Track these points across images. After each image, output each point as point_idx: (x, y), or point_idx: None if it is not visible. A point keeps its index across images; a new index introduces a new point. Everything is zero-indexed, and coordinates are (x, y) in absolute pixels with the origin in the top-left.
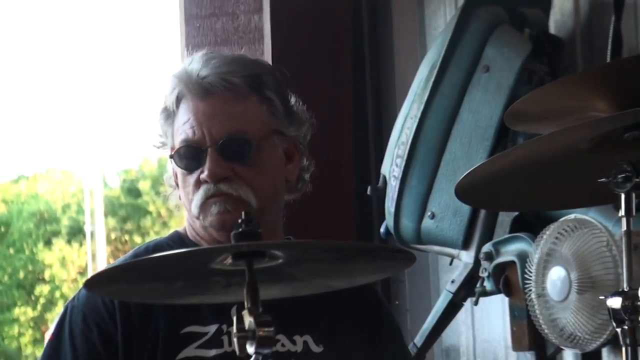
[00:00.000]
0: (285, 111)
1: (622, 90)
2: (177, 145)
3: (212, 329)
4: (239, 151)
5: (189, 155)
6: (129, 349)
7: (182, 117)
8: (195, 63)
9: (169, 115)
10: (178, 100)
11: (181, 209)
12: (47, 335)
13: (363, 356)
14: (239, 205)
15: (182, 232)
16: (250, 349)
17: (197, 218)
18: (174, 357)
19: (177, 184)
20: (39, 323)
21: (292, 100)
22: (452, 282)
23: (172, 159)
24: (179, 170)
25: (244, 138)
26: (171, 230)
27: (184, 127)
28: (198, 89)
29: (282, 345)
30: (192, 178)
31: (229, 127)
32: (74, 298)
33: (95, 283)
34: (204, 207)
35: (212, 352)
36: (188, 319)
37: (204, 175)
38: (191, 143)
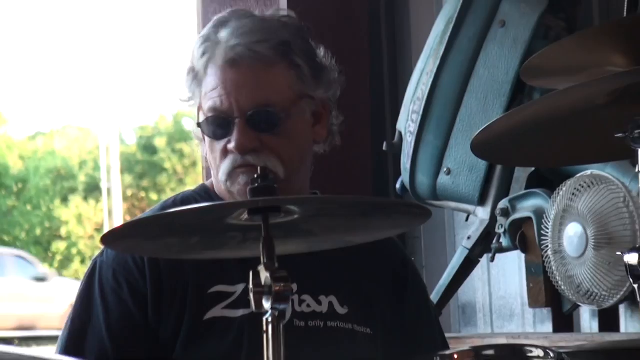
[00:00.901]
0: (313, 74)
1: (637, 44)
2: (205, 110)
3: (240, 288)
4: (267, 122)
5: (217, 124)
6: (158, 307)
7: (211, 82)
8: (225, 30)
9: (197, 76)
10: (206, 64)
11: (197, 166)
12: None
13: (387, 315)
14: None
15: (209, 185)
16: (267, 304)
17: (224, 184)
18: (201, 318)
19: (204, 144)
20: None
21: (322, 54)
22: (468, 238)
23: (199, 126)
24: (207, 139)
25: (272, 109)
26: (187, 187)
27: (212, 94)
28: (227, 58)
29: (308, 305)
30: (219, 145)
31: (258, 98)
32: (101, 253)
33: (112, 238)
34: (231, 175)
35: (239, 312)
36: (216, 278)
37: (231, 146)
38: (219, 113)
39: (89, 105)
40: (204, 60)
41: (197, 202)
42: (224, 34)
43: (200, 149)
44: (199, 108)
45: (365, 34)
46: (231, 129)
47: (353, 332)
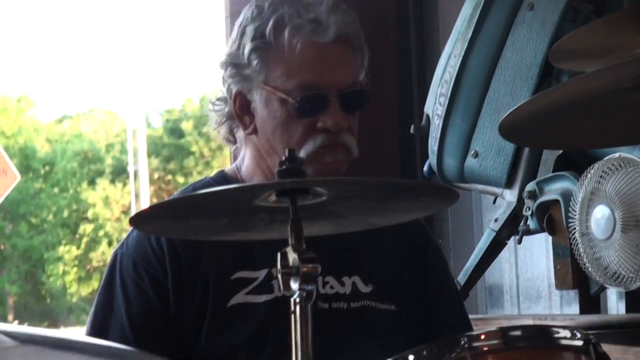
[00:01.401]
0: (364, 65)
1: None
2: (288, 85)
3: (262, 274)
4: (358, 103)
5: (311, 101)
6: (179, 296)
7: (300, 56)
8: (320, 9)
9: (269, 46)
10: (292, 35)
11: (224, 149)
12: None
13: (410, 292)
14: (348, 155)
15: (227, 172)
16: (294, 285)
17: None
18: (224, 304)
19: (243, 122)
20: (83, 261)
21: None
22: (496, 220)
23: (282, 102)
24: (284, 111)
25: (363, 90)
26: (214, 170)
27: (304, 68)
28: (323, 33)
29: (331, 287)
30: (300, 123)
31: (351, 79)
32: (122, 245)
33: (140, 220)
34: (316, 154)
35: (263, 298)
36: (238, 264)
37: (329, 125)
38: (315, 89)
39: (115, 89)
40: (288, 31)
41: (216, 186)
42: (320, 8)
43: (221, 127)
44: (263, 84)
45: (393, 17)
46: (325, 107)
47: (377, 309)
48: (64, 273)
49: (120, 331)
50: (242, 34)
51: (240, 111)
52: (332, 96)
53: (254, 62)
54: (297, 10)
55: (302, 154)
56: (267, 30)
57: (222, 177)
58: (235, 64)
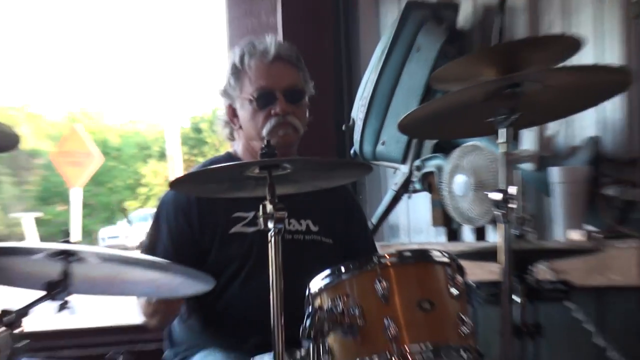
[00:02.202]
0: (307, 81)
1: (502, 63)
2: (251, 90)
3: (251, 214)
4: (296, 97)
5: (264, 97)
6: (200, 226)
7: (256, 72)
8: (265, 44)
9: (238, 71)
10: (249, 62)
11: (230, 143)
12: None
13: (342, 230)
14: (295, 131)
15: (231, 152)
16: (271, 224)
17: (265, 138)
18: (227, 232)
19: (234, 123)
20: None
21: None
22: (395, 184)
23: (249, 101)
24: (251, 107)
25: (300, 89)
26: (220, 154)
27: (258, 79)
28: (267, 56)
29: (293, 226)
30: (262, 113)
31: (291, 82)
32: (163, 197)
33: (176, 183)
34: (272, 132)
35: (251, 229)
36: (237, 208)
37: (277, 110)
38: (266, 90)
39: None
40: (247, 59)
41: (221, 162)
42: (260, 45)
43: (224, 130)
44: (239, 95)
45: (332, 56)
46: (275, 100)
47: (321, 242)
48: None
49: (164, 248)
50: (227, 70)
51: (231, 116)
52: (278, 93)
53: (232, 82)
54: (253, 47)
55: (264, 132)
56: (237, 61)
57: (228, 155)
58: (224, 89)
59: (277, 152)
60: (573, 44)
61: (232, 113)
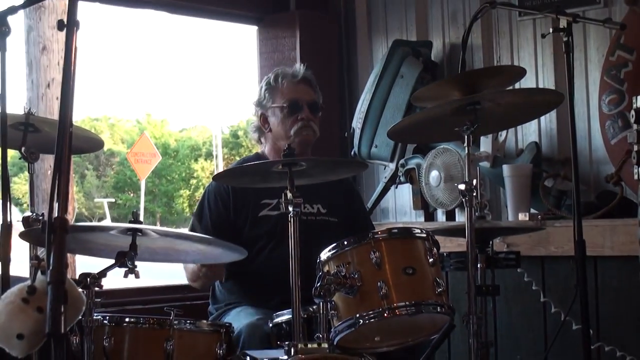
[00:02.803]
0: (320, 96)
1: (465, 87)
2: (282, 102)
3: (275, 201)
4: (316, 109)
5: (293, 106)
6: (235, 211)
7: (287, 88)
8: (295, 69)
9: (272, 87)
10: (282, 80)
11: (258, 146)
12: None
13: (345, 212)
14: (314, 133)
15: (259, 153)
16: (290, 208)
17: (293, 137)
18: (257, 215)
19: (265, 128)
20: (192, 197)
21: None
22: (385, 177)
23: (281, 109)
24: (282, 114)
25: (318, 104)
26: (254, 152)
27: (288, 93)
28: (296, 78)
29: (307, 209)
30: (290, 118)
31: (312, 98)
32: (209, 185)
33: (218, 177)
34: (298, 132)
35: (275, 213)
36: (264, 196)
37: (303, 117)
38: (295, 101)
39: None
40: (280, 79)
41: (252, 161)
42: (291, 69)
43: (254, 134)
44: (272, 105)
45: (336, 81)
46: (301, 109)
47: (329, 221)
48: (182, 203)
49: (205, 226)
50: (261, 87)
51: (262, 122)
52: (303, 104)
53: (266, 96)
54: (285, 70)
55: (292, 132)
56: (272, 80)
57: (257, 155)
58: (259, 101)
59: (296, 153)
60: (518, 73)
61: (264, 120)
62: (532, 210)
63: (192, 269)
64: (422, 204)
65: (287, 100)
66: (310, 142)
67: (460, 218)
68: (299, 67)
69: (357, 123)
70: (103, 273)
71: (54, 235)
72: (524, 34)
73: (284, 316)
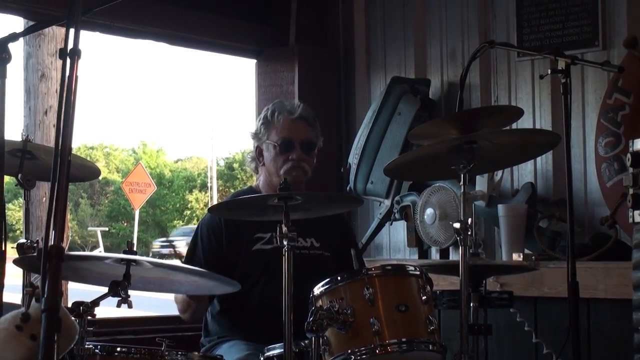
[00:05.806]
0: (318, 134)
1: (462, 125)
2: (276, 139)
3: (268, 235)
4: (310, 148)
5: (285, 145)
6: (229, 245)
7: (282, 125)
8: (293, 105)
9: (268, 123)
10: (278, 116)
11: (253, 176)
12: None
13: (338, 247)
14: (305, 173)
15: (253, 186)
16: (285, 242)
17: (282, 176)
18: (250, 249)
19: (259, 160)
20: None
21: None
22: (380, 213)
23: (274, 146)
24: (274, 151)
25: (313, 142)
26: (248, 185)
27: (283, 130)
28: (295, 114)
29: (300, 242)
30: (283, 156)
31: (307, 137)
32: (203, 219)
33: (213, 209)
34: (288, 171)
35: (269, 247)
36: (258, 229)
37: (294, 157)
38: (287, 140)
39: (204, 145)
40: (276, 114)
41: (246, 194)
42: (289, 105)
43: (251, 164)
44: (266, 140)
45: (335, 117)
46: (293, 148)
47: (322, 255)
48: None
49: (198, 261)
50: (259, 120)
51: (258, 155)
52: (296, 143)
53: (262, 130)
54: (282, 105)
55: (281, 172)
56: (269, 115)
57: (250, 188)
58: (255, 133)
59: (291, 187)
60: (515, 113)
61: (259, 152)
62: (526, 251)
63: (181, 298)
64: (417, 241)
65: (280, 138)
66: (301, 182)
67: (455, 256)
68: (297, 104)
69: (353, 158)
70: (96, 302)
71: (50, 263)
72: (522, 75)
73: (275, 350)
